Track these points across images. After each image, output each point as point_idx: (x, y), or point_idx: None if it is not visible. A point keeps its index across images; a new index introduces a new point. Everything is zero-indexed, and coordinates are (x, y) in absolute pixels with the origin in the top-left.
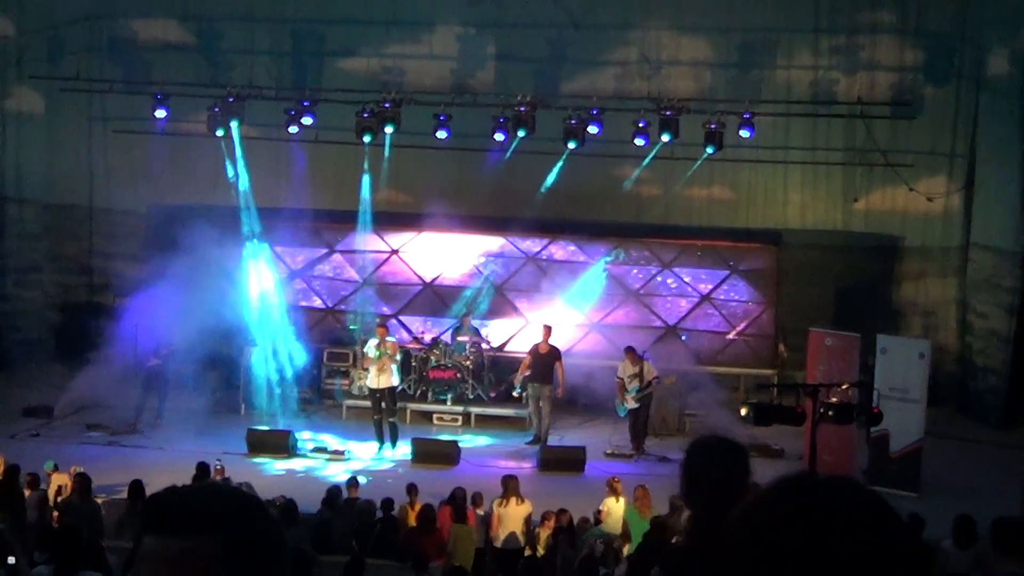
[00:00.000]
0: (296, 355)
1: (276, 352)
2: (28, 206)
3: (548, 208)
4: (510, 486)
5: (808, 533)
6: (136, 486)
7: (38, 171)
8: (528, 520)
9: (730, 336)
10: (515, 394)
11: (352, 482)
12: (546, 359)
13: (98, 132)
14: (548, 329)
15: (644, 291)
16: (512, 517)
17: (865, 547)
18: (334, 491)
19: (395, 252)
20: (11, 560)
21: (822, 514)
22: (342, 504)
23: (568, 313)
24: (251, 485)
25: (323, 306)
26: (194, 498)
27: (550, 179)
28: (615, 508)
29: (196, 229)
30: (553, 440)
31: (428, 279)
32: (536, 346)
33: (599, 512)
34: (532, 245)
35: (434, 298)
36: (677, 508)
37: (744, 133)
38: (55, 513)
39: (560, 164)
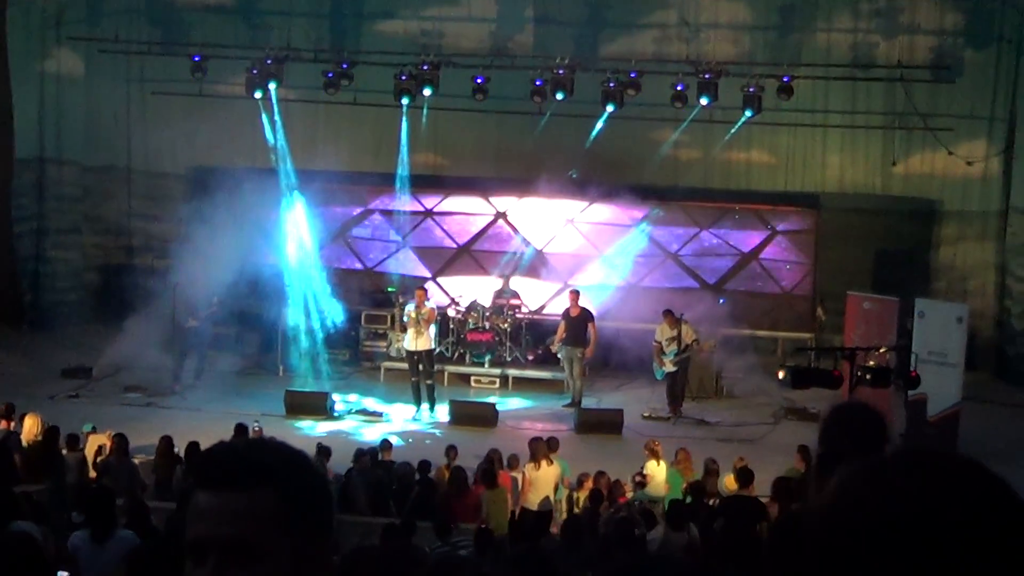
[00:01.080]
0: (334, 317)
1: (314, 313)
2: (67, 167)
3: (587, 171)
4: (538, 449)
5: (925, 514)
6: (193, 447)
7: (77, 133)
8: (559, 482)
9: (768, 297)
10: (556, 353)
11: (385, 444)
12: (577, 322)
13: (136, 94)
14: (576, 294)
15: (682, 253)
16: (543, 480)
17: (989, 532)
18: (360, 452)
19: (432, 214)
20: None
21: (943, 494)
22: (368, 464)
23: (607, 275)
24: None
25: (361, 267)
26: (247, 452)
27: (589, 141)
28: (657, 471)
29: (234, 191)
30: (590, 403)
31: (465, 242)
32: (567, 310)
33: (643, 475)
34: (570, 208)
35: (471, 261)
36: (712, 471)
37: (783, 96)
38: (93, 474)
39: (599, 127)
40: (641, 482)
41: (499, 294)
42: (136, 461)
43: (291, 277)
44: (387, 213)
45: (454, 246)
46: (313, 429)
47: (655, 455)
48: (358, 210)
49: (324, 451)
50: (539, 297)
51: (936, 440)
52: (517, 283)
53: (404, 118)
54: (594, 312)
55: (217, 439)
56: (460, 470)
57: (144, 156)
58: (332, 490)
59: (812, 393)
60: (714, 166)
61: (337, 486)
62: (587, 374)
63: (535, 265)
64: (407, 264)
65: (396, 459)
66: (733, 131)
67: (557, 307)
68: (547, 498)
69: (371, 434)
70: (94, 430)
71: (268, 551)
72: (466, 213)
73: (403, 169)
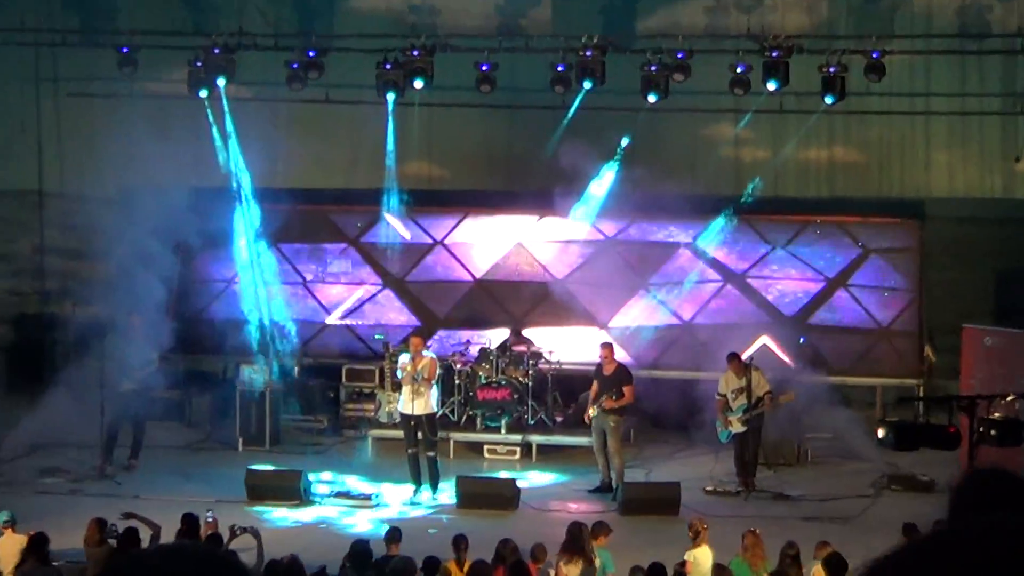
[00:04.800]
0: (307, 375)
1: (282, 372)
2: None
3: (624, 180)
4: (581, 536)
5: None
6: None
7: None
8: None
9: (862, 336)
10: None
11: (392, 536)
12: (611, 382)
13: (48, 96)
14: (608, 348)
15: (750, 278)
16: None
17: None
18: (360, 546)
19: (436, 242)
20: None
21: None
22: (375, 563)
23: (652, 312)
24: (258, 531)
25: (341, 313)
26: (158, 567)
27: (624, 140)
28: (702, 558)
29: (175, 217)
30: (639, 475)
31: (474, 275)
32: (598, 367)
33: (682, 565)
34: (605, 227)
35: (483, 299)
36: (791, 559)
37: (872, 77)
38: None
39: (636, 124)
40: (680, 573)
41: (515, 339)
42: (59, 565)
43: (252, 327)
44: (370, 244)
45: (459, 280)
46: (283, 518)
47: (699, 537)
48: (334, 244)
49: (393, 537)
50: (567, 342)
51: None
52: (535, 328)
53: (390, 119)
54: (632, 367)
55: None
56: (483, 565)
57: (60, 176)
58: None
59: (921, 456)
60: (787, 168)
61: None
62: (625, 445)
63: (562, 302)
64: (395, 307)
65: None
66: (810, 123)
67: (589, 354)
68: None
69: (358, 522)
70: (12, 523)
71: None
72: (470, 238)
73: (390, 184)
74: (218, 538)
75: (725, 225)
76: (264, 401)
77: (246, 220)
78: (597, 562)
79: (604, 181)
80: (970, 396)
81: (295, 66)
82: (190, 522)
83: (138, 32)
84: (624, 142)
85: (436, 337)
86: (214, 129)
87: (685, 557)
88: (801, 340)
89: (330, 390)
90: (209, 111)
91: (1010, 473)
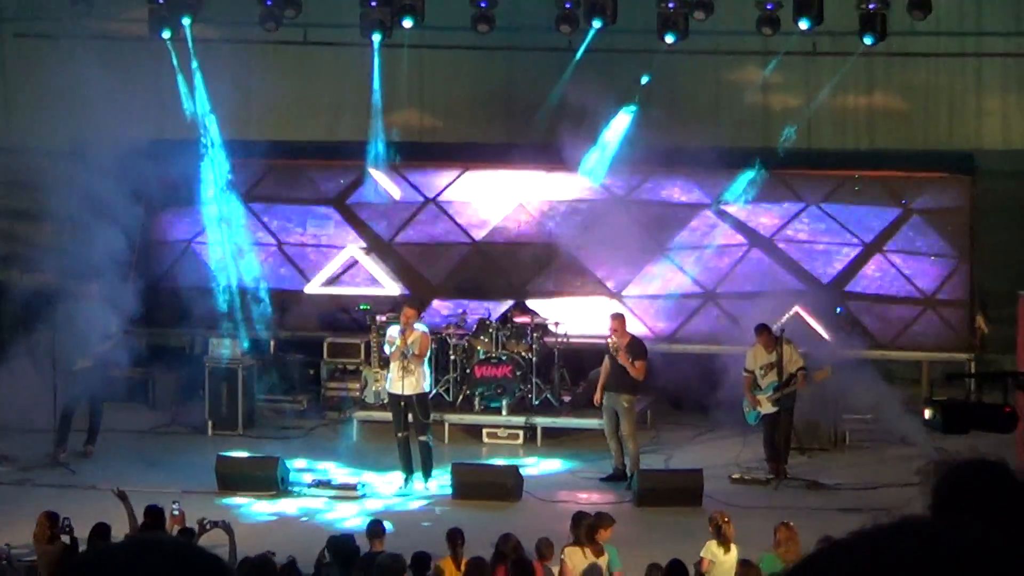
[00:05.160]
0: (284, 350)
1: (256, 346)
2: None
3: (639, 130)
4: (584, 528)
5: None
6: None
7: None
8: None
9: (906, 305)
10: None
11: (374, 530)
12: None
13: None
14: (619, 319)
15: (780, 241)
16: (593, 572)
17: None
18: (340, 541)
19: (429, 199)
20: None
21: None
22: (361, 560)
23: (670, 279)
24: (229, 526)
25: (322, 280)
26: (127, 564)
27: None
28: (723, 558)
29: (136, 174)
30: (656, 462)
31: (472, 238)
32: (609, 341)
33: (699, 563)
34: (616, 184)
35: (482, 264)
36: None
37: (917, 15)
38: None
39: (652, 68)
40: (697, 572)
41: (517, 310)
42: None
43: (221, 294)
44: (355, 204)
45: (454, 242)
46: (258, 511)
47: (721, 534)
48: (316, 206)
49: (375, 531)
50: (575, 313)
51: None
52: (539, 298)
53: (376, 62)
54: (648, 341)
55: (120, 529)
56: (480, 562)
57: (5, 127)
58: None
59: (973, 439)
60: (821, 118)
61: None
62: (641, 428)
63: (568, 268)
64: (382, 273)
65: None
66: (847, 67)
67: (599, 326)
68: None
69: (342, 515)
70: None
71: None
72: (466, 195)
73: (376, 136)
74: (186, 533)
75: (752, 181)
76: (236, 379)
77: (214, 176)
78: (604, 558)
79: (616, 132)
80: None
81: (269, 3)
82: (154, 515)
83: None
84: (643, 81)
85: (430, 307)
86: (178, 74)
87: (702, 555)
88: (838, 310)
89: (310, 367)
90: (173, 54)
91: (998, 464)
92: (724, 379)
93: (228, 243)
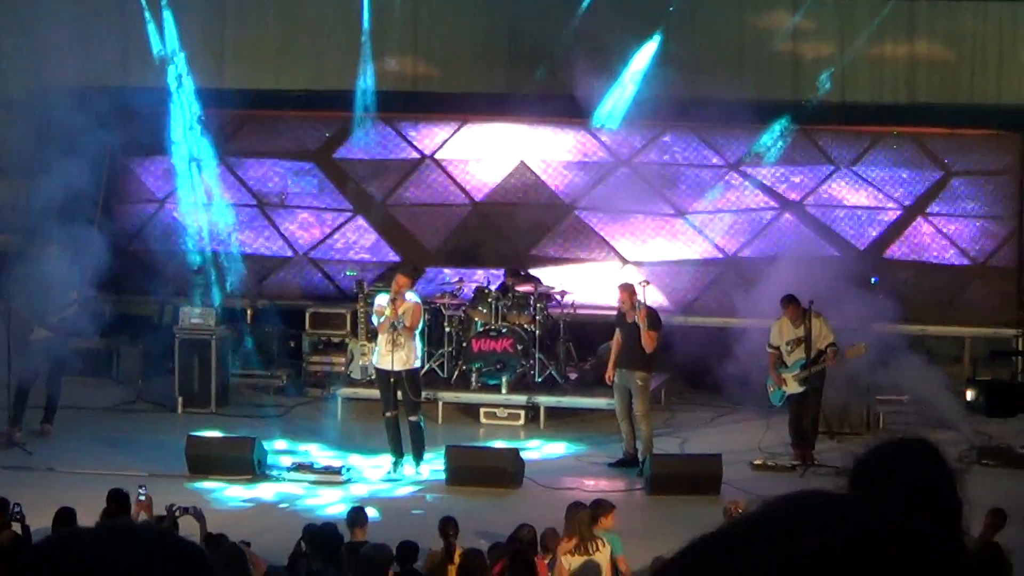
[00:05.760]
0: (262, 320)
1: (231, 316)
2: None
3: (657, 81)
4: (578, 522)
5: None
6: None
7: None
8: (617, 569)
9: (948, 275)
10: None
11: (355, 518)
12: (635, 330)
13: None
14: (628, 290)
15: (809, 205)
16: (589, 569)
17: None
18: (319, 531)
19: (425, 156)
20: None
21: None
22: (343, 551)
23: (688, 244)
24: (201, 513)
25: (304, 243)
26: (96, 553)
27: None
28: None
29: (102, 126)
30: (671, 446)
31: (472, 197)
32: (619, 313)
33: None
34: (629, 140)
35: (481, 227)
36: None
37: None
38: None
39: (670, 11)
40: None
41: (516, 276)
42: None
43: (193, 258)
44: (342, 160)
45: (451, 203)
46: (232, 496)
47: None
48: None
49: (356, 519)
50: (582, 281)
51: None
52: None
53: (365, 2)
54: (664, 312)
55: (82, 516)
56: (476, 555)
57: None
58: None
59: (1021, 424)
60: (856, 68)
61: None
62: (655, 408)
63: (574, 232)
64: (371, 237)
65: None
66: (885, 12)
67: (609, 296)
68: None
69: (325, 501)
70: None
71: None
72: (465, 152)
73: (365, 85)
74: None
75: (780, 137)
76: (208, 352)
77: (186, 128)
78: (603, 552)
79: (635, 73)
80: None
81: None
82: (118, 500)
83: None
84: (671, 8)
85: (424, 275)
86: (147, 15)
87: None
88: (873, 280)
89: (290, 339)
90: None
91: (911, 440)
92: (746, 356)
93: (201, 202)
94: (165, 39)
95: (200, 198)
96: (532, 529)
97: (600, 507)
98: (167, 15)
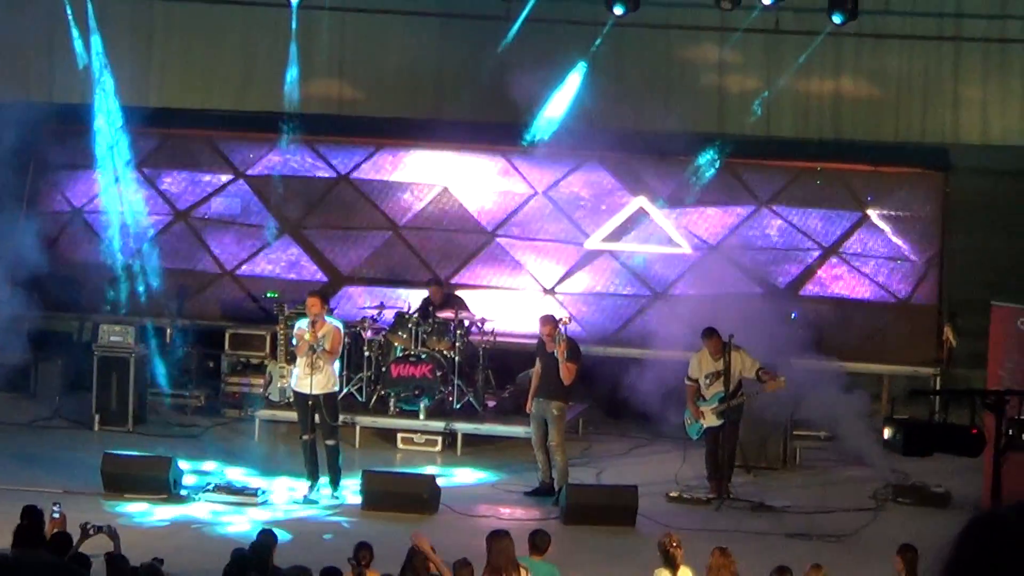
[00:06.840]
0: (181, 339)
1: (149, 332)
2: None
3: (578, 112)
4: (501, 552)
5: None
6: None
7: None
8: None
9: (867, 312)
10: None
11: (264, 540)
12: (555, 362)
13: None
14: (550, 323)
15: (732, 242)
16: None
17: None
18: (243, 555)
19: (341, 176)
20: None
21: None
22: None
23: (610, 274)
24: (115, 532)
25: (224, 263)
26: None
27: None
28: None
29: (22, 140)
30: (587, 476)
31: (393, 221)
32: (540, 343)
33: None
34: (548, 172)
35: (402, 251)
36: None
37: None
38: None
39: (598, 42)
40: None
41: (440, 300)
42: None
43: (114, 275)
44: (263, 177)
45: (374, 227)
46: (147, 515)
47: (670, 560)
48: (219, 174)
49: (264, 541)
50: (501, 308)
51: None
52: (465, 291)
53: (293, 25)
54: (583, 342)
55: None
56: None
57: None
58: None
59: (936, 462)
60: (782, 103)
61: None
62: (572, 438)
63: (496, 259)
64: (293, 257)
65: (281, 563)
66: (812, 47)
67: (529, 324)
68: None
69: (238, 524)
70: None
71: None
72: (388, 175)
73: (290, 107)
74: (67, 538)
75: (704, 172)
76: (127, 370)
77: (110, 145)
78: None
79: (554, 112)
80: (998, 391)
81: None
82: (32, 517)
83: None
84: (582, 64)
85: (340, 294)
86: (73, 31)
87: None
88: (793, 315)
89: (209, 359)
90: (68, 6)
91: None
92: (664, 388)
93: (122, 216)
94: (91, 55)
95: (124, 212)
96: (425, 553)
97: (540, 537)
98: (93, 30)
